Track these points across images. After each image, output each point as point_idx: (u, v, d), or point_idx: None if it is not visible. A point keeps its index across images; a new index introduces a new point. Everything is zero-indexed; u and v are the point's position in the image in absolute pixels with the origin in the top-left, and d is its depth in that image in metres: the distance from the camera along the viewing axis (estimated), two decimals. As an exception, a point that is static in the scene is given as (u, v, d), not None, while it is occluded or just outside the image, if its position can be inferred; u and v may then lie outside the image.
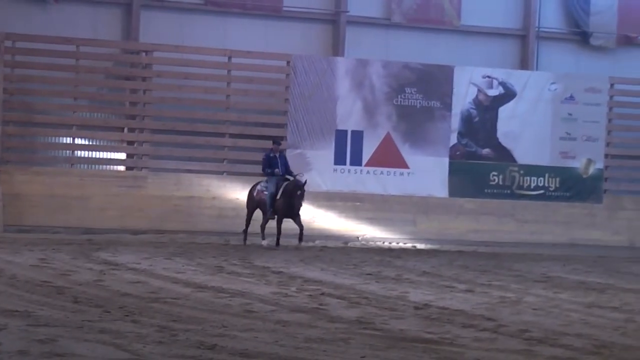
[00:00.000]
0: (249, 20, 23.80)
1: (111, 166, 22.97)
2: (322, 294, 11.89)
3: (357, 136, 23.38)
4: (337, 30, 24.33)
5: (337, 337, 8.69)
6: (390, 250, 20.93)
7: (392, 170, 23.54)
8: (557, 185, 24.42)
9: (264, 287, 12.39)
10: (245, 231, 20.27)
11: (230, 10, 23.67)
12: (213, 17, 23.66)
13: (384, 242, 22.48)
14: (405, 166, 23.60)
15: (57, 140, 22.74)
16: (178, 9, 23.47)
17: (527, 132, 24.24)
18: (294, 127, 23.11)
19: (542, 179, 24.36)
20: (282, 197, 19.92)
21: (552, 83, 24.44)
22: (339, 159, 23.31)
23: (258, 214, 20.46)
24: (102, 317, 9.29)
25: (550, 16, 25.71)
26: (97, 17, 23.06)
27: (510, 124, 24.19)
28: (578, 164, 24.53)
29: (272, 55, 23.32)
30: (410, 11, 24.62)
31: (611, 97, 24.98)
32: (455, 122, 23.89)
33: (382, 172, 23.49)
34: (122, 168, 23.05)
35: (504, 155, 24.21)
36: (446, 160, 23.83)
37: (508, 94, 24.23)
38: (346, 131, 23.37)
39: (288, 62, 23.26)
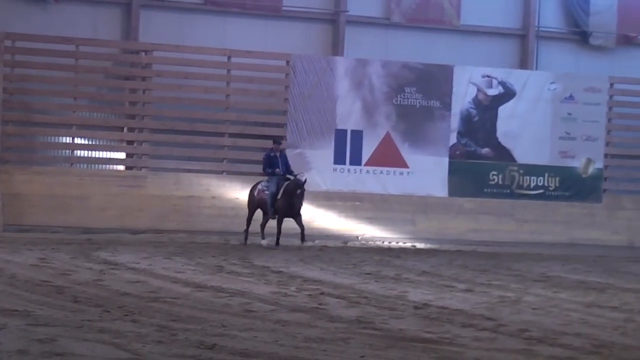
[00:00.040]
0: (249, 20, 23.80)
1: (111, 166, 22.97)
2: (322, 293, 11.89)
3: (357, 136, 23.38)
4: (337, 30, 24.33)
5: (337, 336, 8.69)
6: (389, 249, 20.93)
7: (391, 169, 23.54)
8: (557, 185, 24.43)
9: (263, 287, 12.39)
10: (246, 231, 20.26)
11: (229, 10, 23.67)
12: (213, 17, 23.66)
13: (383, 242, 22.48)
14: (405, 166, 23.60)
15: (56, 140, 22.73)
16: (178, 8, 23.47)
17: (527, 131, 24.24)
18: (293, 126, 23.11)
19: (541, 178, 24.37)
20: (282, 197, 19.91)
21: (552, 83, 24.44)
22: (339, 159, 23.31)
23: (258, 213, 20.46)
24: (102, 317, 9.30)
25: (550, 16, 25.71)
26: (97, 16, 23.06)
27: (509, 124, 24.19)
28: (577, 163, 24.53)
29: (271, 55, 23.32)
30: (409, 11, 24.62)
31: (611, 96, 24.98)
32: (454, 122, 23.89)
33: (381, 172, 23.49)
34: (121, 167, 23.05)
35: (504, 154, 24.22)
36: (446, 159, 23.83)
37: (508, 94, 24.23)
38: (346, 131, 23.37)
39: (288, 62, 23.26)
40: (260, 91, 23.44)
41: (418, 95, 23.75)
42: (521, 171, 24.28)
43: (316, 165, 23.00)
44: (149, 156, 23.01)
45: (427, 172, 23.62)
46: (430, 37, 24.91)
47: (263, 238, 20.12)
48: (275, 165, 20.21)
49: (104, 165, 22.90)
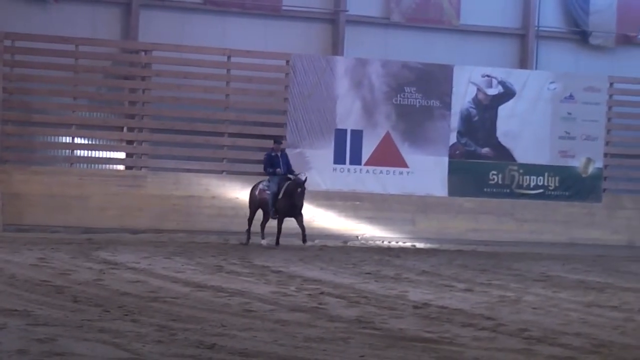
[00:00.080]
0: (248, 20, 23.79)
1: (110, 165, 22.97)
2: (322, 293, 11.89)
3: (357, 135, 23.38)
4: (337, 30, 24.33)
5: (337, 336, 8.69)
6: (389, 249, 20.93)
7: (391, 169, 23.54)
8: (557, 185, 24.43)
9: (263, 287, 12.39)
10: (248, 230, 20.23)
11: (229, 10, 23.67)
12: (212, 17, 23.66)
13: (383, 241, 22.48)
14: (405, 165, 23.60)
15: (56, 140, 22.73)
16: (177, 8, 23.47)
17: (527, 131, 24.24)
18: (293, 126, 23.10)
19: (541, 178, 24.37)
20: (284, 197, 19.88)
21: (552, 82, 24.44)
22: (339, 158, 23.31)
23: (258, 212, 20.45)
24: (102, 317, 9.30)
25: (550, 15, 25.70)
26: (97, 16, 23.05)
27: (509, 123, 24.19)
28: (577, 163, 24.53)
29: (271, 55, 23.32)
30: (409, 10, 24.62)
31: (610, 96, 24.98)
32: (454, 121, 23.89)
33: (381, 171, 23.49)
34: (121, 167, 23.05)
35: (504, 154, 24.22)
36: (445, 159, 23.83)
37: (507, 93, 24.23)
38: (345, 130, 23.37)
39: (287, 62, 23.26)
40: (260, 91, 23.44)
41: (418, 94, 23.75)
42: (521, 171, 24.28)
43: (316, 165, 22.99)
44: (148, 156, 23.00)
45: (427, 172, 23.62)
46: (430, 36, 24.91)
47: (263, 238, 20.11)
48: (276, 165, 20.19)
49: (103, 165, 22.90)
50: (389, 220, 23.32)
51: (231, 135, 23.04)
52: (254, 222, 20.35)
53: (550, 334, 9.32)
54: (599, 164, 24.68)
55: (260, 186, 20.36)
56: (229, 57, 23.05)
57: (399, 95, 23.69)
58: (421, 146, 23.68)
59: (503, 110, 24.20)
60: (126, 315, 9.45)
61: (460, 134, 23.94)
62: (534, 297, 12.37)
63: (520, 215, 24.16)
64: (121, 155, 23.10)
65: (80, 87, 22.78)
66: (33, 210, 21.53)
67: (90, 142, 22.78)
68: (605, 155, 24.82)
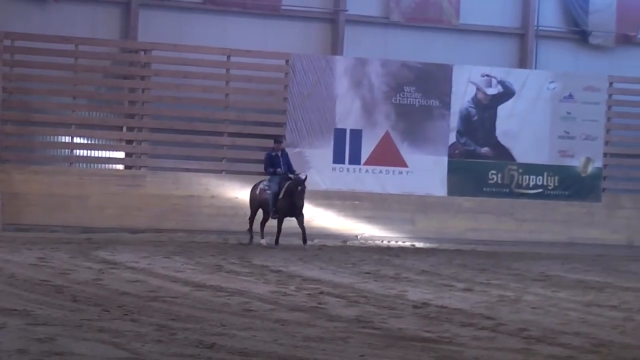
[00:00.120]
0: (248, 19, 23.79)
1: (110, 165, 22.97)
2: (321, 292, 11.90)
3: (356, 135, 23.38)
4: (336, 29, 24.33)
5: (336, 335, 8.69)
6: (388, 249, 20.93)
7: (390, 169, 23.54)
8: (556, 184, 24.43)
9: (262, 286, 12.39)
10: (250, 230, 20.20)
11: (229, 9, 23.66)
12: (212, 16, 23.65)
13: (382, 241, 22.48)
14: (404, 165, 23.60)
15: (55, 139, 22.72)
16: (177, 7, 23.47)
17: (526, 130, 24.24)
18: (292, 126, 23.10)
19: (540, 177, 24.37)
20: (284, 197, 19.84)
21: (551, 82, 24.44)
22: (338, 158, 23.31)
23: (258, 212, 20.45)
24: (101, 316, 9.30)
25: (549, 15, 25.70)
26: (96, 16, 23.05)
27: (509, 123, 24.19)
28: (577, 162, 24.53)
29: (271, 54, 23.31)
30: (408, 10, 24.61)
31: (610, 95, 24.98)
32: (454, 121, 23.89)
33: (380, 171, 23.49)
34: (120, 167, 23.05)
35: (503, 153, 24.22)
36: (445, 159, 23.83)
37: (507, 93, 24.23)
38: (345, 130, 23.37)
39: (287, 61, 23.25)
40: (260, 90, 23.43)
41: (417, 94, 23.75)
42: (520, 170, 24.28)
43: (315, 165, 22.99)
44: (148, 155, 23.00)
45: (426, 172, 23.62)
46: (429, 36, 24.91)
47: (262, 237, 20.10)
48: (276, 164, 20.15)
49: (103, 165, 22.89)
50: (389, 220, 23.31)
51: (231, 134, 23.04)
52: (254, 221, 20.33)
53: (550, 333, 9.32)
54: (599, 163, 24.68)
55: (261, 186, 20.32)
56: (228, 57, 23.04)
57: (398, 95, 23.69)
58: (420, 146, 23.68)
59: (502, 109, 24.20)
60: (125, 314, 9.45)
61: (459, 133, 23.94)
62: (533, 297, 12.38)
63: (520, 214, 24.17)
64: (120, 154, 23.10)
65: (79, 87, 22.78)
66: (32, 210, 21.53)
67: (89, 142, 22.77)
68: (605, 154, 24.82)
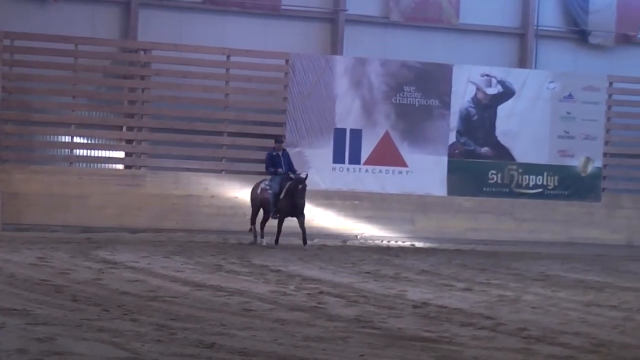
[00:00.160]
0: (248, 19, 23.79)
1: (110, 165, 22.97)
2: (321, 292, 11.90)
3: (356, 135, 23.38)
4: (336, 29, 24.32)
5: (336, 335, 8.69)
6: (388, 248, 20.93)
7: (390, 168, 23.54)
8: (556, 184, 24.42)
9: (262, 286, 12.39)
10: (253, 229, 20.18)
11: (229, 9, 23.66)
12: (212, 16, 23.65)
13: (382, 241, 22.48)
14: (404, 165, 23.60)
15: (55, 139, 22.72)
16: (177, 7, 23.47)
17: (526, 130, 24.24)
18: (292, 125, 23.10)
19: (540, 177, 24.37)
20: (285, 197, 19.82)
21: (551, 81, 24.44)
22: (338, 158, 23.31)
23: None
24: (101, 316, 9.30)
25: (549, 14, 25.70)
26: (96, 15, 23.05)
27: (508, 123, 24.19)
28: (576, 162, 24.53)
29: (270, 54, 23.31)
30: (408, 9, 24.61)
31: (610, 95, 24.98)
32: (453, 121, 23.89)
33: (380, 171, 23.49)
34: (120, 167, 23.05)
35: (503, 153, 24.21)
36: (445, 158, 23.83)
37: (507, 93, 24.22)
38: (345, 130, 23.36)
39: (287, 61, 23.25)
40: (260, 90, 23.43)
41: (417, 94, 23.75)
42: (520, 170, 24.28)
43: (315, 164, 22.99)
44: (147, 155, 23.01)
45: (426, 171, 23.62)
46: (429, 36, 24.90)
47: (262, 237, 20.10)
48: (277, 164, 20.13)
49: (103, 164, 22.89)
50: (388, 220, 23.31)
51: (230, 134, 23.04)
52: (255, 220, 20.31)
53: (550, 333, 9.32)
54: (598, 163, 24.68)
55: (262, 185, 20.29)
56: (228, 57, 23.04)
57: (398, 95, 23.69)
58: (420, 145, 23.68)
59: (502, 109, 24.20)
60: (125, 314, 9.45)
61: (459, 133, 23.94)
62: (533, 297, 12.38)
63: (520, 214, 24.17)
64: (120, 154, 23.10)
65: (79, 86, 22.77)
66: (32, 210, 21.53)
67: (89, 142, 22.77)
68: (605, 154, 24.82)
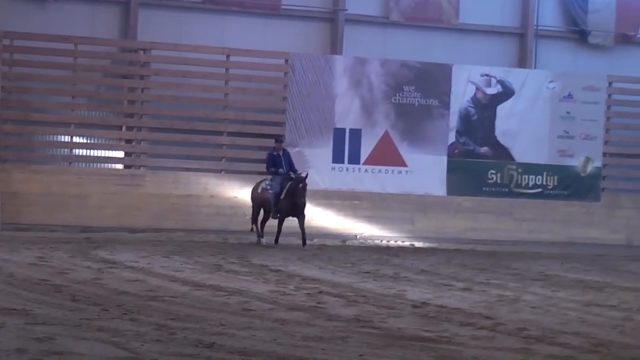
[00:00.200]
0: (248, 19, 23.79)
1: (109, 164, 22.96)
2: (320, 292, 11.90)
3: (356, 134, 23.38)
4: (335, 29, 24.32)
5: (335, 335, 8.69)
6: (388, 248, 20.92)
7: (390, 168, 23.54)
8: (555, 184, 24.42)
9: (262, 286, 12.39)
10: (256, 229, 20.14)
11: (228, 9, 23.66)
12: (211, 16, 23.65)
13: (382, 241, 22.48)
14: (404, 164, 23.60)
15: (55, 139, 22.71)
16: (176, 7, 23.46)
17: (525, 130, 24.24)
18: (292, 125, 23.10)
19: (540, 177, 24.37)
20: (285, 197, 19.81)
21: (551, 81, 24.44)
22: (337, 157, 23.30)
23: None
24: (100, 316, 9.30)
25: (549, 14, 25.70)
26: (95, 15, 23.04)
27: (508, 122, 24.19)
28: (576, 162, 24.52)
29: (270, 54, 23.31)
30: (408, 9, 24.61)
31: (609, 95, 24.97)
32: (453, 121, 23.89)
33: (380, 171, 23.48)
34: (120, 166, 23.04)
35: (502, 153, 24.21)
36: (444, 158, 23.82)
37: (506, 92, 24.22)
38: (344, 129, 23.36)
39: (286, 61, 23.25)
40: (259, 90, 23.43)
41: (417, 94, 23.74)
42: (520, 170, 24.27)
43: (315, 164, 22.98)
44: (147, 155, 23.00)
45: (425, 171, 23.61)
46: (428, 35, 24.90)
47: (262, 237, 20.09)
48: (278, 164, 20.11)
49: (102, 164, 22.88)
50: (388, 220, 23.31)
51: (230, 134, 23.03)
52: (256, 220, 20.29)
53: (549, 333, 9.32)
54: (598, 163, 24.68)
55: (263, 185, 20.28)
56: (228, 56, 23.03)
57: (397, 95, 23.69)
58: (420, 145, 23.68)
59: (502, 109, 24.20)
60: (125, 314, 9.45)
61: (459, 133, 23.94)
62: (532, 296, 12.38)
63: (519, 214, 24.16)
64: (120, 154, 23.10)
65: (79, 86, 22.76)
66: (32, 209, 21.52)
67: (89, 141, 22.76)
68: (604, 154, 24.82)
